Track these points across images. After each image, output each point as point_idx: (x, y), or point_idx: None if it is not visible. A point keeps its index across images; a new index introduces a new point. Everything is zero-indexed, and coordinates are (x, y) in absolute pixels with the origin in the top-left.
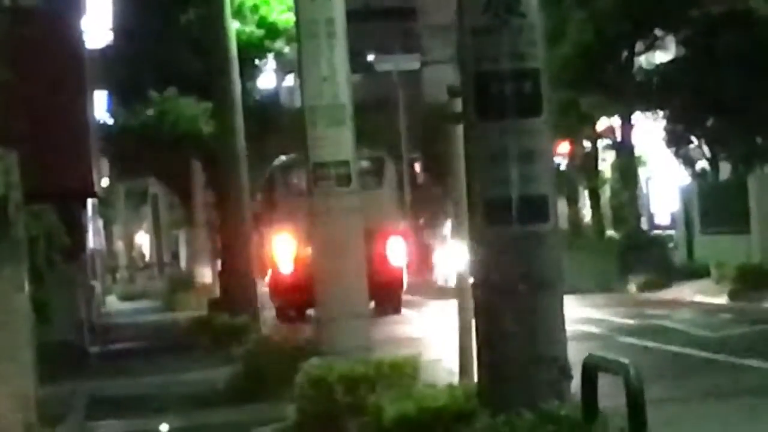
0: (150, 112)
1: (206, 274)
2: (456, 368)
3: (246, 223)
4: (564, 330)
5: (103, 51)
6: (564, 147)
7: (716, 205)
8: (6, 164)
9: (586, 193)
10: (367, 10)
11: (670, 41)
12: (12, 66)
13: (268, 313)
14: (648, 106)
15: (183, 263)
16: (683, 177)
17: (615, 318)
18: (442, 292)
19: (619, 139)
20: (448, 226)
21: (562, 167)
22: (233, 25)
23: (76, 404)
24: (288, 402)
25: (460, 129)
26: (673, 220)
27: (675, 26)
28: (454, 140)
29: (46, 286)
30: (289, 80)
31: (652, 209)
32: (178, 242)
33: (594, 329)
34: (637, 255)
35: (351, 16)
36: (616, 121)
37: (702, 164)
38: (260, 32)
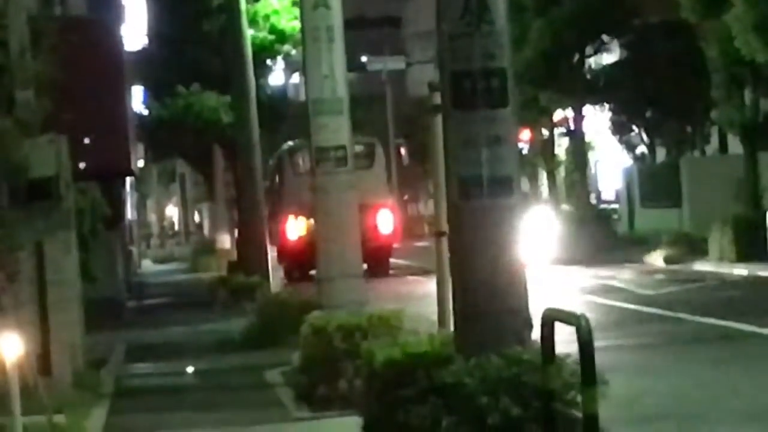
0: (178, 104)
1: (225, 241)
2: (435, 320)
3: (259, 198)
4: (526, 286)
5: (139, 53)
6: (526, 134)
7: (653, 184)
8: (57, 148)
9: (544, 173)
10: (361, 19)
11: (615, 46)
12: (62, 66)
13: (277, 274)
14: (596, 100)
15: (206, 232)
16: (626, 160)
17: (575, 278)
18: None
19: (572, 128)
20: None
21: (525, 151)
22: (248, 32)
23: (116, 350)
24: (294, 348)
25: (438, 119)
26: (617, 196)
27: (619, 33)
28: (434, 128)
29: (90, 251)
30: (296, 78)
31: (600, 187)
32: (202, 214)
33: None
34: (587, 225)
35: (347, 24)
36: (569, 113)
37: (641, 149)
38: (271, 37)
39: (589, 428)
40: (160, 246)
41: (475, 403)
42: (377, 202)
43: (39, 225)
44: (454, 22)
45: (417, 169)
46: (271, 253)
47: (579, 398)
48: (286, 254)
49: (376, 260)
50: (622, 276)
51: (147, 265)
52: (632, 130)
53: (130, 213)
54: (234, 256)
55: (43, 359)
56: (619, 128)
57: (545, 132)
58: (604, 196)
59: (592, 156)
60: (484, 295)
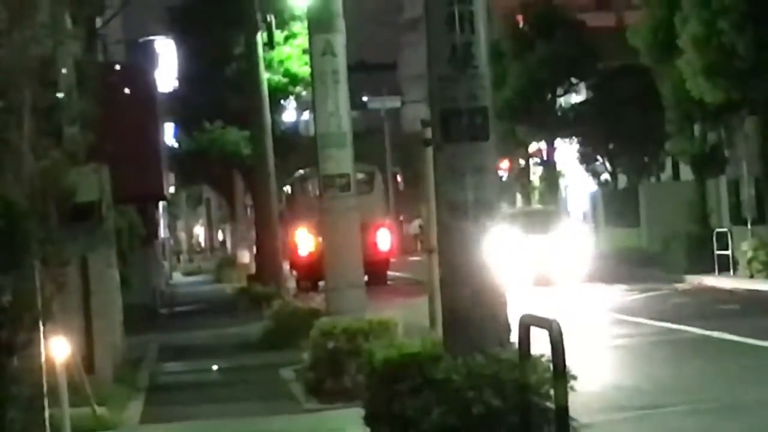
0: (204, 138)
1: (245, 256)
2: (426, 325)
3: (274, 219)
4: (505, 295)
5: (170, 93)
6: (505, 164)
7: (615, 206)
8: (100, 176)
9: (520, 197)
10: (363, 64)
11: (582, 87)
12: (104, 104)
13: (290, 285)
14: (566, 134)
15: (228, 248)
16: (591, 185)
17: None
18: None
19: (545, 158)
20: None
21: (504, 178)
22: (265, 75)
23: (150, 350)
24: (304, 349)
25: (429, 150)
26: (585, 217)
27: (585, 76)
28: (426, 158)
29: (128, 264)
30: (306, 115)
31: (569, 209)
32: (224, 232)
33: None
34: None
35: (350, 68)
36: (542, 145)
37: (605, 176)
38: (285, 80)
39: (560, 417)
40: (188, 260)
41: (461, 395)
42: (376, 222)
43: (84, 242)
44: (443, 67)
45: (411, 194)
46: (285, 266)
47: (552, 391)
48: (297, 267)
49: (376, 273)
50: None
51: (177, 277)
52: (597, 160)
53: (162, 232)
54: (252, 269)
55: (87, 359)
56: (586, 158)
57: (522, 161)
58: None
59: (562, 182)
60: (469, 303)
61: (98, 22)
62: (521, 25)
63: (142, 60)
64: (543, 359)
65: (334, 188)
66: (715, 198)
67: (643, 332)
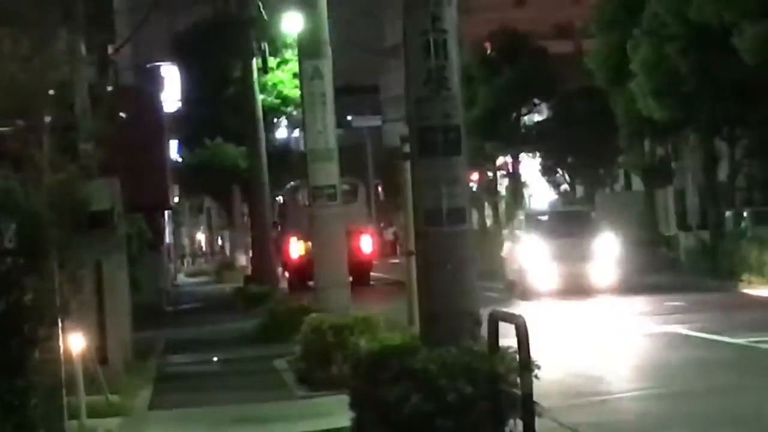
0: (205, 153)
1: (242, 259)
2: (405, 320)
3: (268, 226)
4: (476, 292)
5: (175, 113)
6: (475, 176)
7: None
8: (112, 188)
9: (488, 206)
10: (348, 87)
11: (544, 107)
12: (116, 124)
13: (283, 285)
14: (529, 149)
15: (227, 252)
16: (552, 195)
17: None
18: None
19: (510, 170)
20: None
21: (474, 189)
22: (260, 97)
23: (158, 344)
24: (296, 343)
25: (408, 164)
26: None
27: (546, 97)
28: (404, 171)
29: (138, 267)
30: (296, 133)
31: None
32: (223, 238)
33: (494, 294)
34: None
35: (336, 91)
36: (508, 159)
37: (564, 187)
38: (278, 101)
39: (526, 403)
40: (191, 263)
41: (437, 384)
42: (360, 228)
43: (98, 247)
44: (420, 89)
45: (391, 203)
46: (278, 268)
47: (518, 380)
48: (289, 269)
49: (360, 274)
50: None
51: (181, 278)
52: (557, 172)
53: (168, 238)
54: (249, 271)
55: (100, 351)
56: (547, 170)
57: (490, 174)
58: None
59: (526, 192)
60: (443, 300)
61: (110, 49)
62: (489, 51)
63: (149, 83)
64: (510, 351)
65: (323, 198)
66: (663, 206)
67: (609, 330)
